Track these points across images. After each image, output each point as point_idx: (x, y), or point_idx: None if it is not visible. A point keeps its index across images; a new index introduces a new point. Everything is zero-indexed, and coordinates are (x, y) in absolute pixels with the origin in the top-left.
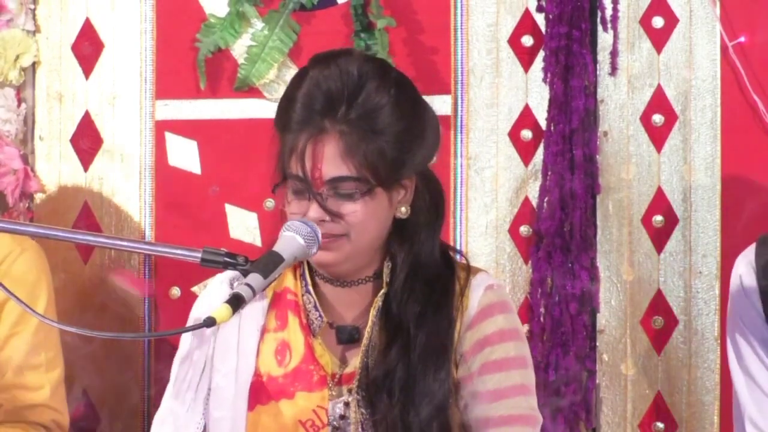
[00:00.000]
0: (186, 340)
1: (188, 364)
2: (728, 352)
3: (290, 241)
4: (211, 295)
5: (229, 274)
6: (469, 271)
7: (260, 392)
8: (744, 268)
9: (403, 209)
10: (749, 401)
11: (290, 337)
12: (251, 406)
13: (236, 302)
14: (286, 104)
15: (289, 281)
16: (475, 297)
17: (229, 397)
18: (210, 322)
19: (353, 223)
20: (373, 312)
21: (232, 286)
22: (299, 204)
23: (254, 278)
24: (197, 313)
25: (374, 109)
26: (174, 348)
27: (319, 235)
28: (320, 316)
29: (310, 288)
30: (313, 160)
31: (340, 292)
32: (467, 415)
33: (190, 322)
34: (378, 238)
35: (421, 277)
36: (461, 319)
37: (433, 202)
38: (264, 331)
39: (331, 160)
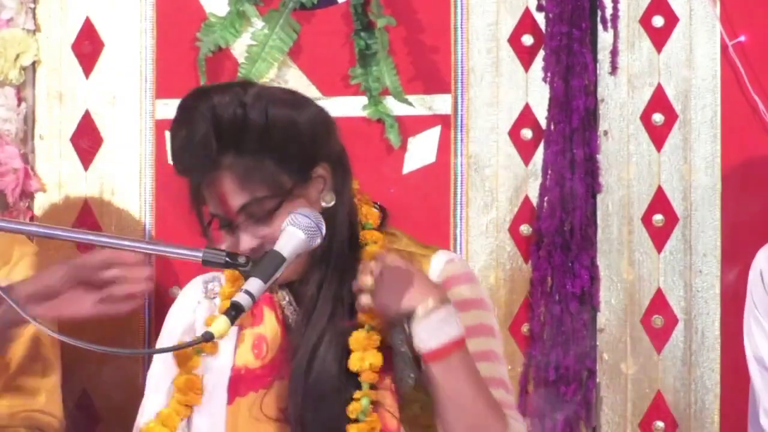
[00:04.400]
0: (164, 339)
1: (164, 358)
2: (745, 345)
3: (291, 236)
4: (187, 295)
5: (204, 276)
6: (431, 248)
7: (239, 385)
8: (764, 263)
9: (327, 197)
10: (764, 392)
11: (266, 332)
12: (230, 400)
13: (235, 313)
14: (174, 158)
15: None
16: (436, 269)
17: (208, 391)
18: (209, 337)
19: None
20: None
21: (205, 288)
22: (230, 239)
23: (253, 283)
24: (171, 319)
25: (237, 131)
26: None
27: (323, 226)
28: (295, 310)
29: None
30: (218, 199)
31: (303, 289)
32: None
33: (165, 327)
34: None
35: (333, 264)
36: None
37: (338, 186)
38: (240, 328)
39: (231, 194)
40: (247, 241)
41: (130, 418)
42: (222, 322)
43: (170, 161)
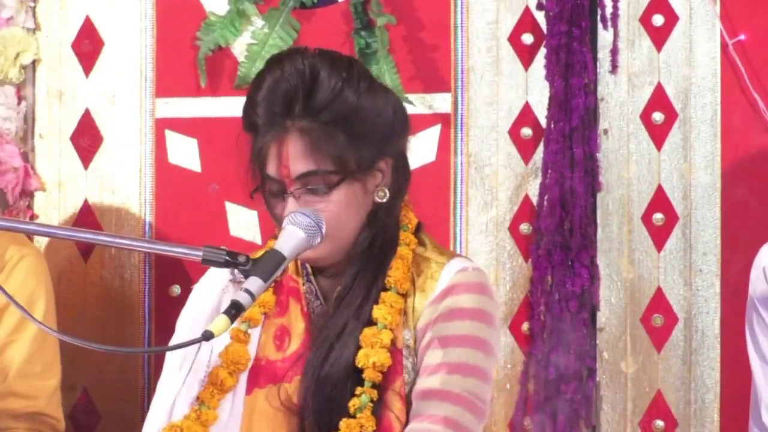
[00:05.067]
0: (184, 325)
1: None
2: (747, 340)
3: (291, 235)
4: (213, 278)
5: None
6: (448, 255)
7: (258, 376)
8: None
9: (381, 193)
10: (765, 388)
11: (290, 323)
12: (249, 390)
13: (235, 312)
14: (249, 108)
15: (291, 269)
16: (446, 277)
17: None
18: (208, 336)
19: (328, 218)
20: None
21: (233, 273)
22: (277, 205)
23: (254, 282)
24: (197, 298)
25: (327, 101)
26: None
27: (323, 226)
28: (321, 304)
29: (312, 278)
30: (279, 160)
31: (333, 283)
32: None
33: (189, 306)
34: (356, 227)
35: (372, 258)
36: (424, 300)
37: (397, 185)
38: (266, 316)
39: (296, 158)
40: (293, 208)
41: (130, 418)
42: (221, 320)
43: (243, 114)
